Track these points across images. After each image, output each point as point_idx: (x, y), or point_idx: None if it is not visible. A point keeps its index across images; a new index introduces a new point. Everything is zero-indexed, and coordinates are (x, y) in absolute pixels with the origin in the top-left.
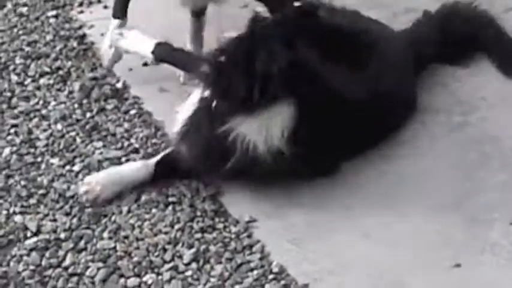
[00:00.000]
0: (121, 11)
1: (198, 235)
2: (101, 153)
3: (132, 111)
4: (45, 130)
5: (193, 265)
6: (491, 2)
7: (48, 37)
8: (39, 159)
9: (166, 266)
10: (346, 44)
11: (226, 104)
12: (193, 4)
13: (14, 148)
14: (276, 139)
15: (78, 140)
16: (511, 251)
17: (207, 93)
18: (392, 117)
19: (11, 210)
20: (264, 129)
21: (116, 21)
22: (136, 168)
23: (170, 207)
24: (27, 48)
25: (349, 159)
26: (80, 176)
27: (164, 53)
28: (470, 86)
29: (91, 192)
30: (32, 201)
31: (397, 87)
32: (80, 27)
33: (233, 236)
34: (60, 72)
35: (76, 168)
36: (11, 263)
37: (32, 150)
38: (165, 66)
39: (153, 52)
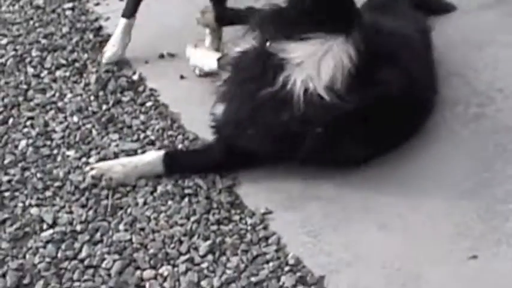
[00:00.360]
0: (130, 11)
1: (214, 227)
2: (117, 145)
3: (148, 103)
4: (61, 122)
5: (209, 257)
6: None
7: (65, 29)
8: (55, 151)
9: (182, 258)
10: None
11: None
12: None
13: (30, 140)
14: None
15: (94, 132)
16: None
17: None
18: (425, 107)
19: (27, 203)
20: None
21: (124, 21)
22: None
23: (186, 199)
24: (43, 41)
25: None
26: None
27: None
28: (487, 78)
29: (103, 176)
30: (48, 193)
31: (426, 77)
32: (96, 20)
33: (249, 227)
34: (77, 64)
35: (92, 160)
36: (27, 255)
37: (48, 142)
38: (181, 57)
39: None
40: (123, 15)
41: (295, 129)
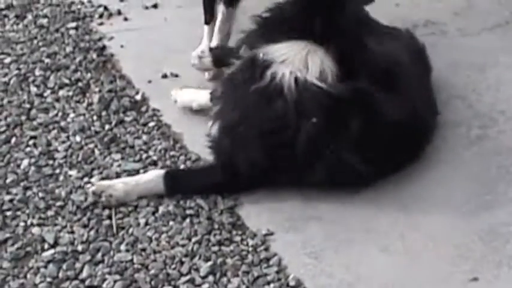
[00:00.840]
0: (209, 19)
1: (215, 248)
2: (119, 165)
3: (151, 124)
4: (63, 142)
5: (210, 278)
6: None
7: (68, 49)
8: (57, 171)
9: (183, 279)
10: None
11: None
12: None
13: (33, 160)
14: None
15: (97, 152)
16: None
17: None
18: (425, 130)
19: (29, 222)
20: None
21: (205, 27)
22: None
23: (188, 220)
24: (46, 60)
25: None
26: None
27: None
28: (490, 99)
29: (103, 193)
30: (50, 213)
31: (425, 101)
32: (100, 39)
33: (250, 249)
34: (80, 84)
35: (94, 180)
36: (28, 275)
37: (51, 162)
38: (184, 78)
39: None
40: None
41: (290, 121)
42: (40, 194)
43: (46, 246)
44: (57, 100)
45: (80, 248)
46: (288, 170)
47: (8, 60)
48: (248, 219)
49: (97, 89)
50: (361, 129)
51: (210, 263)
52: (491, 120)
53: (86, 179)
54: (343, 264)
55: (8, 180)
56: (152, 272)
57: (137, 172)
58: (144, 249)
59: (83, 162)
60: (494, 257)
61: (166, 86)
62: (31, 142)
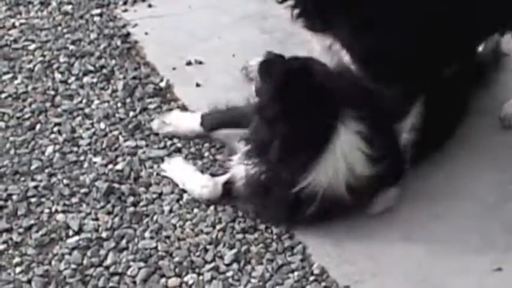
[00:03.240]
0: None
1: (240, 236)
2: (144, 152)
3: (176, 110)
4: (88, 129)
5: (234, 266)
6: None
7: (92, 35)
8: (82, 157)
9: (207, 267)
10: None
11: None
12: None
13: (57, 147)
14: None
15: (121, 139)
16: None
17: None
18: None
19: (53, 209)
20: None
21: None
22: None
23: (212, 207)
24: (71, 47)
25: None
26: (124, 173)
27: (213, 121)
28: None
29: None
30: (74, 200)
31: None
32: (124, 26)
33: (274, 237)
34: (104, 70)
35: (119, 167)
36: (53, 262)
37: (75, 148)
38: (208, 64)
39: (201, 124)
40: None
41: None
42: (64, 181)
43: (70, 233)
44: (82, 87)
45: (104, 235)
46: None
47: (32, 47)
48: None
49: (121, 76)
50: None
51: (234, 250)
52: None
53: (110, 166)
54: (366, 253)
55: (32, 167)
56: (176, 259)
57: (162, 159)
58: (168, 237)
59: (107, 149)
60: None
61: (190, 73)
62: (55, 129)
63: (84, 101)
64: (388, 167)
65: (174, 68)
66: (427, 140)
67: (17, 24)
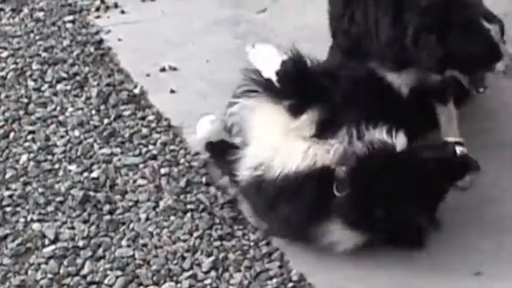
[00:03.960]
0: None
1: (217, 243)
2: (119, 159)
3: (150, 117)
4: (62, 136)
5: (212, 273)
6: None
7: (65, 42)
8: (56, 166)
9: (185, 274)
10: None
11: None
12: None
13: (32, 155)
14: None
15: (96, 146)
16: None
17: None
18: None
19: (29, 218)
20: None
21: None
22: None
23: (189, 215)
24: (44, 54)
25: None
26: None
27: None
28: None
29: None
30: (50, 208)
31: None
32: (97, 33)
33: (252, 243)
34: (78, 78)
35: (94, 175)
36: (29, 271)
37: (50, 157)
38: (182, 70)
39: (277, 73)
40: None
41: None
42: (40, 190)
43: (47, 242)
44: (55, 94)
45: (80, 243)
46: None
47: (4, 54)
48: (249, 213)
49: (95, 83)
50: None
51: (212, 258)
52: None
53: (85, 174)
54: (346, 258)
55: (7, 176)
56: (154, 267)
57: (137, 166)
58: (145, 245)
59: (82, 157)
60: None
61: (164, 80)
62: (30, 137)
63: (58, 108)
64: None
65: (148, 75)
66: None
67: None
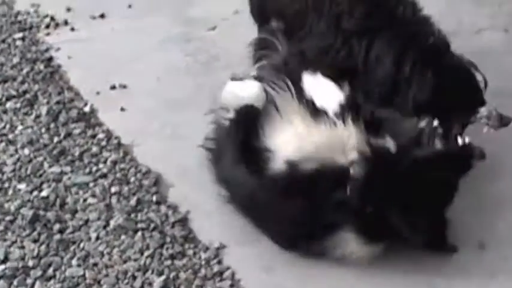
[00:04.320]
0: None
1: (168, 262)
2: (69, 178)
3: (100, 135)
4: (12, 155)
5: None
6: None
7: (15, 60)
8: (6, 184)
9: None
10: None
11: None
12: None
13: None
14: None
15: (46, 165)
16: None
17: None
18: None
19: None
20: None
21: None
22: None
23: (139, 234)
24: None
25: None
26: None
27: None
28: None
29: None
30: (0, 228)
31: None
32: (47, 50)
33: (203, 262)
34: (27, 95)
35: (44, 193)
36: None
37: None
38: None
39: None
40: None
41: None
42: None
43: None
44: (5, 112)
45: (30, 263)
46: None
47: None
48: (200, 232)
49: (45, 101)
50: None
51: (163, 277)
52: None
53: (35, 193)
54: (298, 277)
55: None
56: (105, 287)
57: (87, 185)
58: (96, 264)
59: (32, 176)
60: None
61: (115, 98)
62: None
63: (8, 126)
64: None
65: (98, 93)
66: None
67: None
